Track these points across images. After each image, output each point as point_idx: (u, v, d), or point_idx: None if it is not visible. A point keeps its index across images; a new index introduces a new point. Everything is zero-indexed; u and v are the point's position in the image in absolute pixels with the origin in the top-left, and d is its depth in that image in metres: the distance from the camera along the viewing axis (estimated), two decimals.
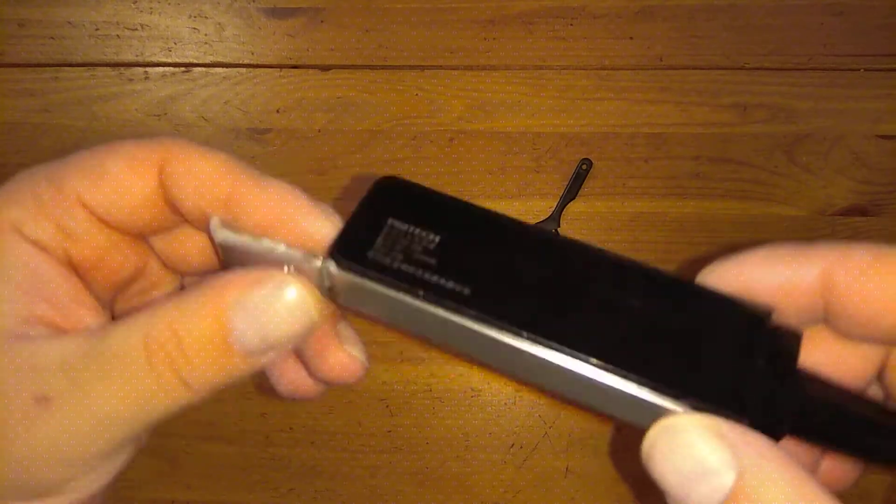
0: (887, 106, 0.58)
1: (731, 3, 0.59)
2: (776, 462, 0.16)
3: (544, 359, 0.17)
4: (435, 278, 0.19)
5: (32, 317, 0.19)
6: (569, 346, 0.17)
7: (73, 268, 0.21)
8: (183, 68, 0.60)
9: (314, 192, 0.21)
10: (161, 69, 0.60)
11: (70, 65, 0.60)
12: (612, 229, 0.57)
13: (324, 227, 0.20)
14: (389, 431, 0.55)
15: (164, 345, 0.18)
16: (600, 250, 0.19)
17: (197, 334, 0.18)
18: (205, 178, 0.20)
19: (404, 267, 0.19)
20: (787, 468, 0.16)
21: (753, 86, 0.58)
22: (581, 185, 0.57)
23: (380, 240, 0.19)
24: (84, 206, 0.20)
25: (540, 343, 0.17)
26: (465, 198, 0.20)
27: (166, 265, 0.24)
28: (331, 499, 0.54)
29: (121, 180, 0.20)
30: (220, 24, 0.61)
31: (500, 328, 0.18)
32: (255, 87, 0.60)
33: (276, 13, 0.61)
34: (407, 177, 0.21)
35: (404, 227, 0.20)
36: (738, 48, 0.59)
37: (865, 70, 0.58)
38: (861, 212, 0.56)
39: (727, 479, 0.16)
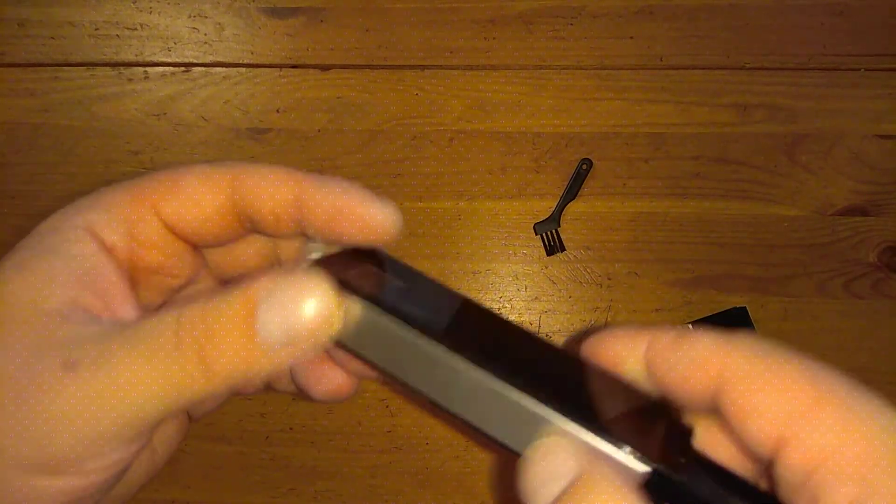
0: (887, 106, 0.58)
1: (732, 3, 0.59)
2: (611, 481, 0.17)
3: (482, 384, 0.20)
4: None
5: (77, 302, 0.20)
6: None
7: (136, 271, 0.23)
8: (183, 68, 0.60)
9: None
10: (161, 69, 0.60)
11: (70, 64, 0.60)
12: (612, 229, 0.57)
13: (383, 214, 0.23)
14: (389, 431, 0.55)
15: (194, 327, 0.19)
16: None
17: (224, 319, 0.19)
18: (275, 183, 0.23)
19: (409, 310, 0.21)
20: (618, 490, 0.17)
21: (753, 85, 0.58)
22: (581, 185, 0.57)
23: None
24: (158, 214, 0.23)
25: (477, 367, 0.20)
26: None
27: (216, 277, 0.27)
28: (331, 499, 0.54)
29: (194, 193, 0.23)
30: (219, 23, 0.61)
31: (467, 359, 0.20)
32: (255, 86, 0.60)
33: (276, 13, 0.61)
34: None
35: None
36: (738, 48, 0.59)
37: (866, 70, 0.58)
38: (861, 212, 0.56)
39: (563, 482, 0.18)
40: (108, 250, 0.22)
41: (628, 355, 0.22)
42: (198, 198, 0.23)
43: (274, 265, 0.27)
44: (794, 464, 0.18)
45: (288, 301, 0.20)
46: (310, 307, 0.20)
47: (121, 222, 0.22)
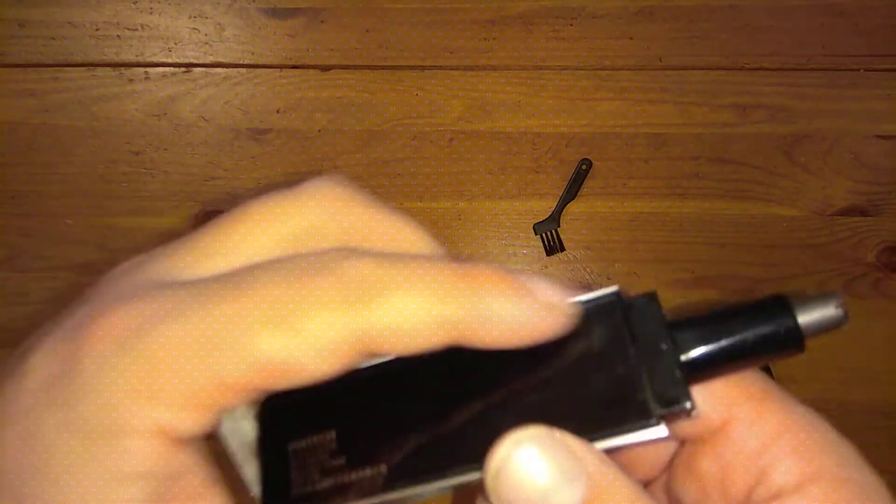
0: (887, 106, 0.58)
1: (731, 3, 0.59)
2: (615, 470, 0.17)
3: (460, 483, 0.19)
4: (354, 476, 0.19)
5: None
6: (477, 463, 0.18)
7: None
8: (183, 68, 0.60)
9: None
10: (161, 69, 0.60)
11: (70, 65, 0.60)
12: (612, 229, 0.57)
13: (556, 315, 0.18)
14: None
15: None
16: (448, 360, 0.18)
17: None
18: (427, 321, 0.16)
19: (326, 484, 0.20)
20: (624, 478, 0.17)
21: (753, 86, 0.58)
22: (581, 185, 0.57)
23: (294, 472, 0.20)
24: (255, 392, 0.16)
25: (451, 477, 0.19)
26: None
27: None
28: None
29: (315, 367, 0.16)
30: (220, 24, 0.61)
31: (426, 484, 0.19)
32: (256, 87, 0.60)
33: (276, 13, 0.61)
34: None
35: (303, 444, 0.20)
36: (737, 48, 0.59)
37: (865, 70, 0.58)
38: (860, 212, 0.56)
39: (580, 488, 0.16)
40: (184, 445, 0.16)
41: None
42: (317, 373, 0.16)
43: None
44: (744, 444, 0.18)
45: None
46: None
47: (202, 414, 0.16)
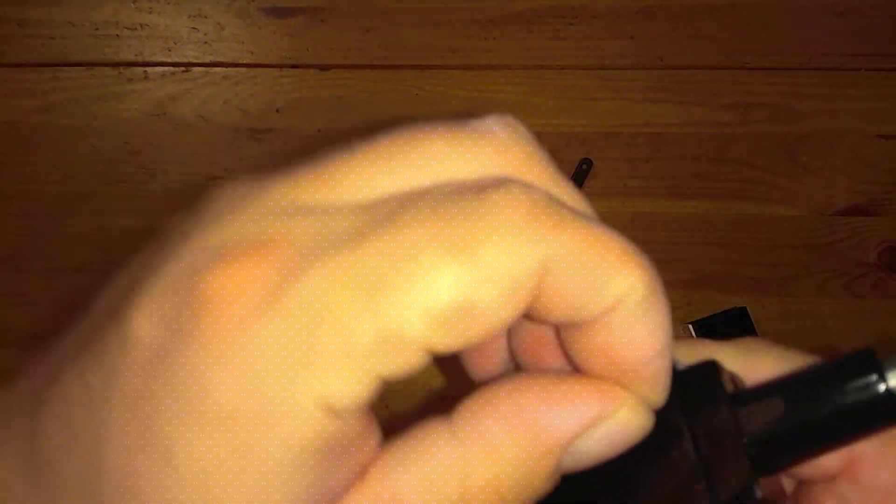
0: (888, 106, 0.58)
1: (732, 2, 0.59)
2: None
3: None
4: None
5: (322, 491, 0.13)
6: None
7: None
8: (182, 68, 0.60)
9: None
10: (160, 69, 0.60)
11: (69, 64, 0.60)
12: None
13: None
14: (390, 431, 0.55)
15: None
16: None
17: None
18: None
19: None
20: None
21: (754, 86, 0.58)
22: (581, 184, 0.57)
23: None
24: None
25: None
26: None
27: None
28: None
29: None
30: (219, 23, 0.61)
31: None
32: (255, 86, 0.60)
33: (275, 13, 0.60)
34: None
35: None
36: (738, 48, 0.59)
37: (866, 70, 0.58)
38: (861, 212, 0.56)
39: None
40: (345, 417, 0.13)
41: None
42: (497, 321, 0.13)
43: None
44: (872, 482, 0.16)
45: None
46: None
47: (364, 380, 0.13)
